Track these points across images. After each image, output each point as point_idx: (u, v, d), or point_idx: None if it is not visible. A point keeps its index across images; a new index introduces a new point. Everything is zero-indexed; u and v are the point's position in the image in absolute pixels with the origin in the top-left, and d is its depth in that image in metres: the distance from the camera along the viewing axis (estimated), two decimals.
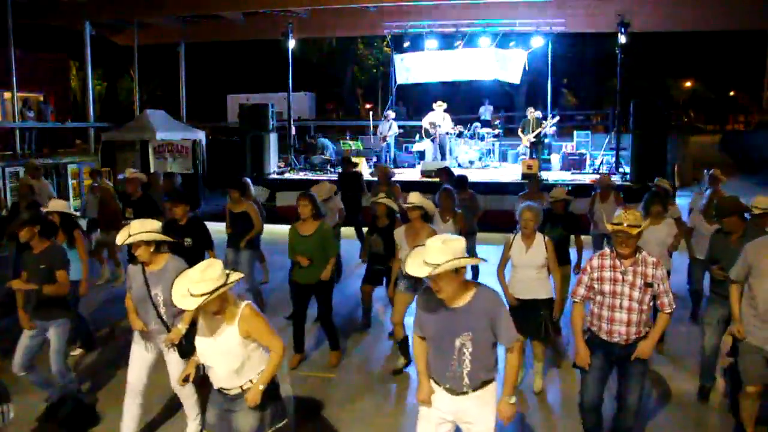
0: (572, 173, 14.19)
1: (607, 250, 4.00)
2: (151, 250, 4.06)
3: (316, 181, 13.68)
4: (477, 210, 8.29)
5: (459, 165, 15.14)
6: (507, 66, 16.26)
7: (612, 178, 9.54)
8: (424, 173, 13.60)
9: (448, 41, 16.55)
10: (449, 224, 6.66)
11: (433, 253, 2.96)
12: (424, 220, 5.57)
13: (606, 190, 8.23)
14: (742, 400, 4.30)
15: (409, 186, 12.69)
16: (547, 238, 5.17)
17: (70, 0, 17.17)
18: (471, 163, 15.22)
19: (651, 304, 3.89)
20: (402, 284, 5.67)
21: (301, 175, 14.78)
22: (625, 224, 3.79)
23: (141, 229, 4.01)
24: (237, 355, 3.25)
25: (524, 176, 12.84)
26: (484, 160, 15.44)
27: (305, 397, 5.21)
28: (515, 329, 3.17)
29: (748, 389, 4.19)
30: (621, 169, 13.75)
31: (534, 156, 14.21)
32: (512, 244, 5.20)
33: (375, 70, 31.90)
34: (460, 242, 3.03)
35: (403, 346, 5.77)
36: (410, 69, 17.02)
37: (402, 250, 5.56)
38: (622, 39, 14.04)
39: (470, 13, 16.17)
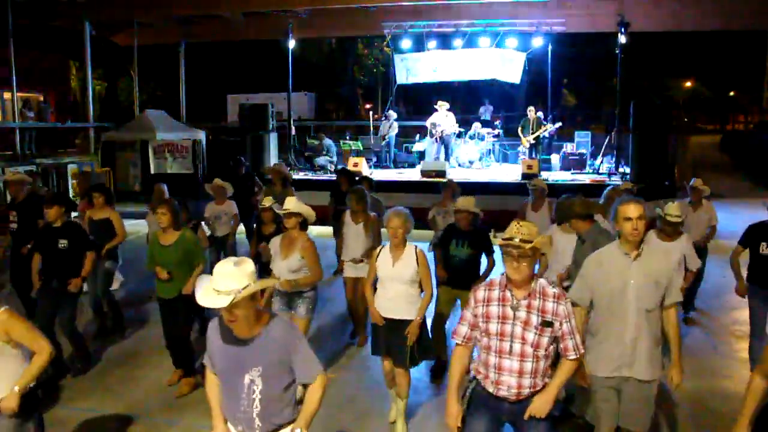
0: (572, 173, 14.20)
1: (496, 278, 3.18)
2: None
3: (317, 182, 13.83)
4: (380, 214, 7.96)
5: (459, 165, 15.17)
6: (507, 66, 16.26)
7: (544, 181, 8.15)
8: (424, 173, 13.60)
9: (448, 41, 16.55)
10: (360, 227, 6.14)
11: (228, 279, 2.61)
12: (301, 228, 5.04)
13: (540, 197, 7.30)
14: None
15: (409, 186, 12.83)
16: (419, 249, 4.58)
17: (70, 0, 17.16)
18: (471, 163, 15.23)
19: (553, 348, 3.09)
20: (277, 303, 5.08)
21: (301, 175, 14.78)
22: (517, 239, 2.98)
23: None
24: None
25: (524, 176, 12.86)
26: (484, 160, 15.45)
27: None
28: (318, 363, 2.87)
29: None
30: (621, 170, 13.76)
31: (534, 156, 14.23)
32: (379, 255, 4.62)
33: (375, 70, 31.88)
34: (251, 264, 2.73)
35: None
36: (410, 69, 17.01)
37: (274, 262, 5.04)
38: (622, 39, 14.05)
39: (470, 13, 16.16)
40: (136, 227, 10.78)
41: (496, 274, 3.25)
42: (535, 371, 3.03)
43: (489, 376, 3.10)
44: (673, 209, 5.47)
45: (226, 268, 2.65)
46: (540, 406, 3.03)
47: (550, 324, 3.00)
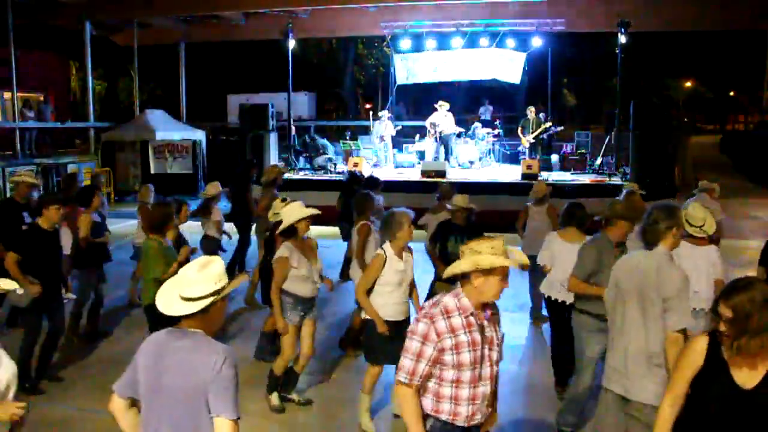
0: (572, 173, 14.21)
1: (448, 303, 2.72)
2: None
3: (317, 182, 13.82)
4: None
5: (459, 165, 15.17)
6: (507, 66, 16.27)
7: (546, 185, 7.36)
8: (424, 173, 13.61)
9: (448, 41, 16.56)
10: (369, 239, 5.83)
11: (192, 285, 2.37)
12: None
13: (540, 201, 6.88)
14: None
15: (409, 186, 12.81)
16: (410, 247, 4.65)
17: (70, 0, 17.17)
18: (471, 163, 15.23)
19: None
20: (297, 311, 4.83)
21: (301, 175, 14.80)
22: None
23: None
24: None
25: (524, 176, 12.86)
26: (484, 160, 15.45)
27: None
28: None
29: None
30: (621, 170, 13.76)
31: (534, 156, 14.23)
32: (385, 261, 4.48)
33: (375, 70, 31.89)
34: (219, 264, 2.46)
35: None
36: (410, 69, 17.03)
37: (301, 269, 4.78)
38: (622, 39, 14.07)
39: (470, 13, 16.18)
40: (135, 228, 10.73)
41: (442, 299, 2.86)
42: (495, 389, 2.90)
43: (460, 413, 2.73)
44: (697, 217, 4.59)
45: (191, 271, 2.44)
46: (496, 419, 2.96)
47: (503, 334, 2.89)
